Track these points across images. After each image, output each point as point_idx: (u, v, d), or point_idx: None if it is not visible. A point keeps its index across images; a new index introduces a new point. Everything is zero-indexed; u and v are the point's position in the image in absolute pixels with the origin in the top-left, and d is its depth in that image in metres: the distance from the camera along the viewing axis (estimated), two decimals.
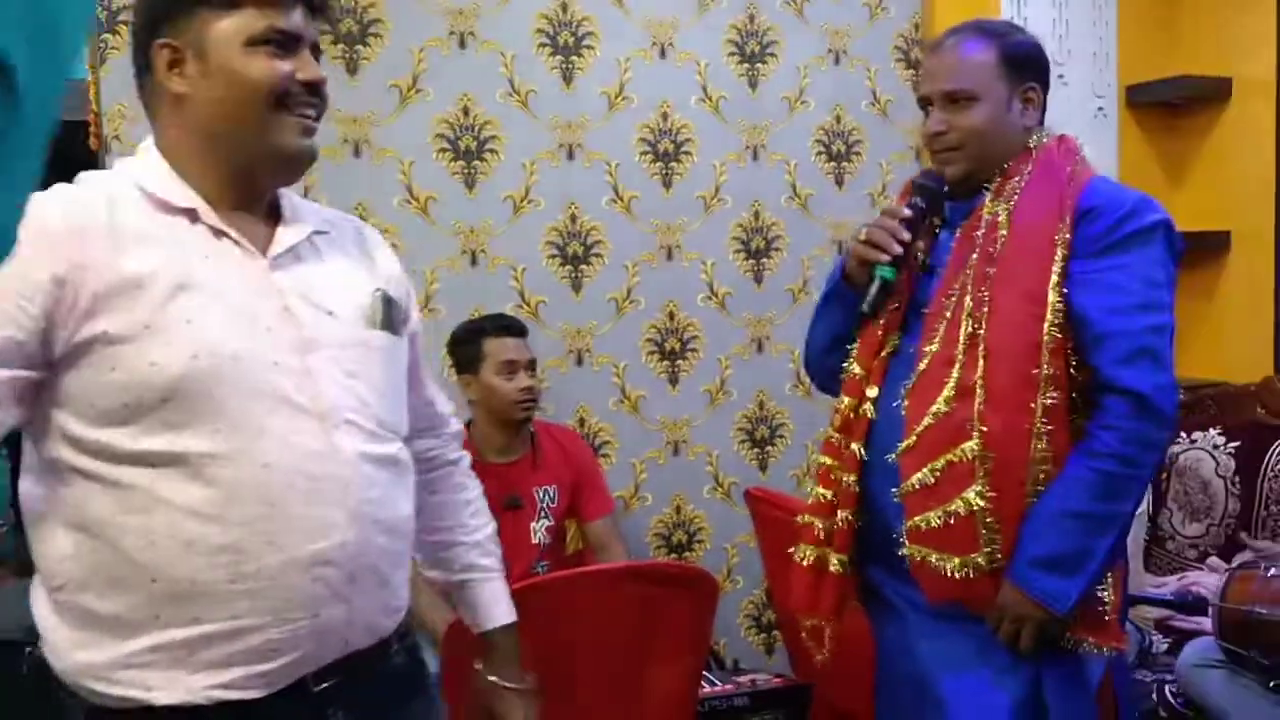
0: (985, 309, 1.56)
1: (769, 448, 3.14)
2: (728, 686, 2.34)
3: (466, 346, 2.60)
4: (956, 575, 1.54)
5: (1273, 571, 2.20)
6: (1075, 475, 1.53)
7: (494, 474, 2.58)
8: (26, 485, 1.17)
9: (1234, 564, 2.34)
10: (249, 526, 1.11)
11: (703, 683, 2.27)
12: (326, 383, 1.18)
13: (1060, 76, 3.26)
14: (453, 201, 2.80)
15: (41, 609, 1.17)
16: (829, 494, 1.72)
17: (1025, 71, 1.69)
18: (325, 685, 1.19)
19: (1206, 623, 2.34)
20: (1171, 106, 3.33)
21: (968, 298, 1.58)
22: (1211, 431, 2.95)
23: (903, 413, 1.61)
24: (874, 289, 1.66)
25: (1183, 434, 3.00)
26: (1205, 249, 3.21)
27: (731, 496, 3.07)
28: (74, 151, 2.84)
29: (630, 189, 2.95)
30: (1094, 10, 3.29)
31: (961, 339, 1.56)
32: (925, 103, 1.71)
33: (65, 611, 1.14)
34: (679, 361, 3.04)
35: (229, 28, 1.17)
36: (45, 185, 1.17)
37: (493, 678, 1.43)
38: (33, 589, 1.19)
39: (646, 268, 2.98)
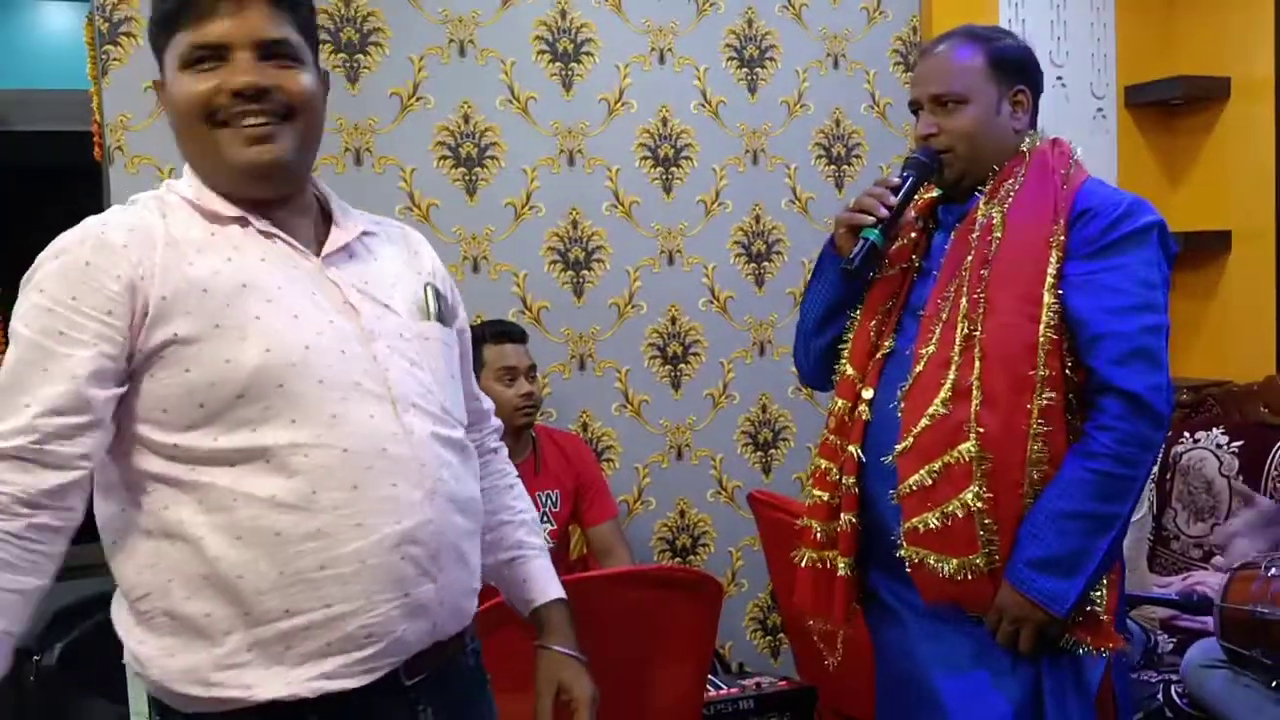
0: (981, 310, 1.57)
1: (772, 451, 3.14)
2: (733, 690, 2.34)
3: None
4: (955, 576, 1.55)
5: (1273, 571, 2.20)
6: (1072, 476, 1.53)
7: None
8: (101, 506, 1.18)
9: (1235, 564, 2.34)
10: (335, 511, 1.14)
11: (708, 686, 2.27)
12: (394, 370, 1.22)
13: (1059, 78, 3.26)
14: (454, 208, 2.81)
15: (125, 624, 1.18)
16: (826, 496, 1.73)
17: (1014, 75, 1.70)
18: (416, 680, 1.22)
19: (1211, 622, 2.33)
20: (1170, 106, 3.34)
21: (963, 299, 1.59)
22: (1215, 431, 2.95)
23: (899, 415, 1.61)
24: (859, 247, 1.66)
25: (1186, 434, 3.00)
26: (1206, 249, 3.22)
27: (735, 500, 3.08)
28: (78, 162, 2.85)
29: (631, 194, 2.96)
30: (1092, 11, 3.30)
31: (958, 340, 1.57)
32: (916, 107, 1.73)
33: (151, 621, 1.15)
34: (681, 366, 3.04)
35: (171, 55, 1.19)
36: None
37: (559, 649, 1.43)
38: (114, 608, 1.21)
39: (648, 272, 2.99)
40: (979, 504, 1.52)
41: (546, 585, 1.47)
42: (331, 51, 2.68)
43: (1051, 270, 1.56)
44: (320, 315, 1.19)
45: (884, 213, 1.66)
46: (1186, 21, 3.32)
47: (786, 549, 1.84)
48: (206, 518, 1.12)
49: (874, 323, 1.72)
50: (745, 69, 3.06)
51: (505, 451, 1.56)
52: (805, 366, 1.89)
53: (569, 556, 2.77)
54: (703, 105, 3.02)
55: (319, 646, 1.14)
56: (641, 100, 2.95)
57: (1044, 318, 1.54)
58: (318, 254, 1.25)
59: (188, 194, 1.22)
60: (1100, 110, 3.32)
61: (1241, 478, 2.83)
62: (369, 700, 1.17)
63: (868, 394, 1.69)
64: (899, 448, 1.59)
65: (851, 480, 1.69)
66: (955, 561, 1.54)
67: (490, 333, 2.61)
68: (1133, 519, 2.62)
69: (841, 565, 1.70)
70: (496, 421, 1.55)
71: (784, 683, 2.40)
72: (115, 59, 2.52)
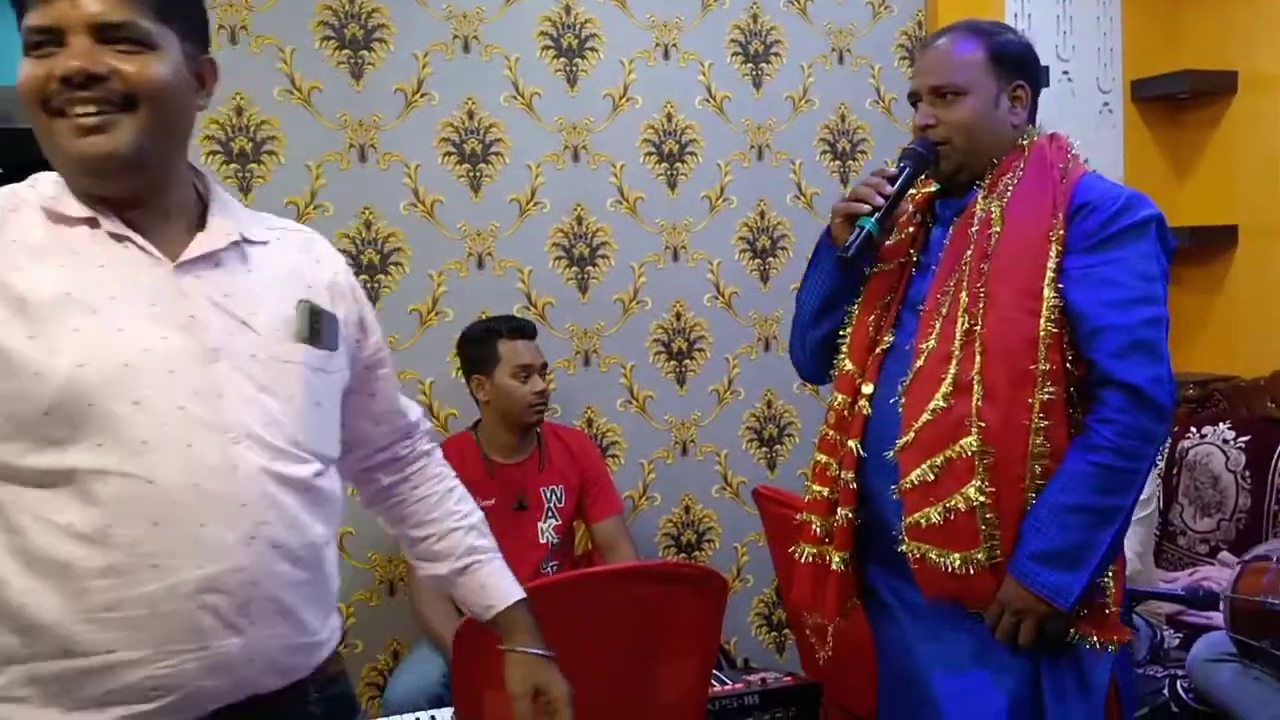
0: (981, 305, 1.56)
1: (777, 446, 3.14)
2: (738, 685, 2.33)
3: (480, 347, 2.61)
4: (957, 571, 1.54)
5: None
6: (1075, 470, 1.53)
7: (501, 474, 2.59)
8: None
9: (1245, 556, 2.34)
10: (131, 548, 1.03)
11: (713, 681, 2.27)
12: (231, 395, 1.11)
13: (1065, 72, 3.25)
14: (459, 205, 2.81)
15: None
16: (826, 491, 1.72)
17: (1014, 70, 1.70)
18: None
19: (1217, 617, 2.33)
20: (1177, 101, 3.32)
21: (963, 294, 1.59)
22: (1221, 426, 2.94)
23: (899, 410, 1.61)
24: (855, 235, 1.66)
25: (1192, 429, 2.99)
26: (1213, 243, 3.20)
27: (740, 496, 3.08)
28: None
29: (635, 190, 2.96)
30: (1098, 6, 3.29)
31: (958, 335, 1.57)
32: (915, 99, 1.73)
33: None
34: (686, 361, 3.04)
35: (24, 38, 1.10)
36: None
37: (531, 650, 1.40)
38: None
39: (653, 268, 2.99)
40: (981, 498, 1.52)
41: (506, 588, 1.42)
42: (336, 48, 2.68)
43: (1051, 264, 1.56)
44: (152, 330, 1.08)
45: (880, 201, 1.66)
46: (1193, 15, 3.31)
47: (791, 545, 1.83)
48: (4, 537, 1.04)
49: (873, 317, 1.72)
50: (750, 64, 3.05)
51: (439, 453, 1.49)
52: (801, 359, 1.88)
53: (574, 552, 2.77)
54: (707, 101, 3.02)
55: (98, 694, 1.04)
56: (646, 96, 2.95)
57: (1044, 312, 1.54)
58: (176, 259, 1.14)
59: (47, 190, 1.12)
60: (1106, 104, 3.31)
61: (1249, 473, 2.82)
62: None
63: (867, 389, 1.68)
64: (900, 442, 1.59)
65: (850, 475, 1.68)
66: (957, 556, 1.54)
67: (506, 328, 2.61)
68: (1138, 516, 2.64)
69: (836, 560, 1.70)
70: (427, 425, 1.49)
71: (789, 678, 2.40)
72: None
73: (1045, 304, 1.54)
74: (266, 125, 2.64)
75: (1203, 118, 3.30)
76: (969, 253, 1.62)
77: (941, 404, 1.55)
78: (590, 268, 2.93)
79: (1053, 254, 1.56)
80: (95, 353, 1.05)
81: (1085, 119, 3.26)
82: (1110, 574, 1.58)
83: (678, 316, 3.02)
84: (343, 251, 2.69)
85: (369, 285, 2.72)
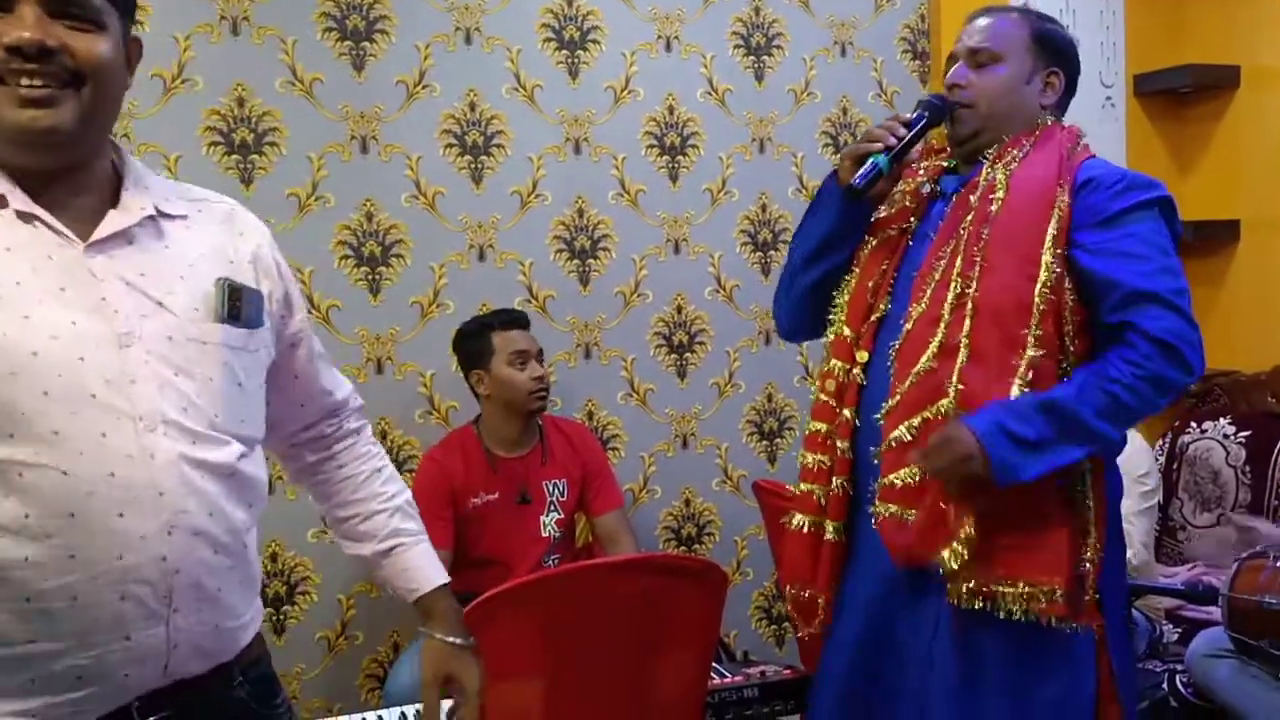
0: (976, 269, 1.56)
1: (778, 440, 3.14)
2: (737, 678, 2.34)
3: (474, 342, 2.61)
4: (923, 533, 1.53)
5: None
6: (1083, 383, 1.52)
7: (504, 468, 2.60)
8: None
9: (1242, 554, 2.34)
10: (47, 540, 1.02)
11: (712, 674, 2.27)
12: (145, 380, 1.08)
13: (1078, 73, 3.24)
14: (460, 197, 2.80)
15: None
16: (826, 459, 1.72)
17: (1053, 56, 1.73)
18: (153, 718, 1.10)
19: (1217, 612, 2.33)
20: (1180, 95, 3.32)
21: (959, 259, 1.59)
22: (1222, 421, 2.94)
23: (891, 375, 1.61)
24: (866, 168, 1.65)
25: (1193, 424, 3.00)
26: (1215, 238, 3.20)
27: (740, 489, 3.08)
28: None
29: (637, 182, 2.96)
30: (1101, 0, 3.28)
31: (949, 299, 1.57)
32: (952, 61, 1.74)
33: None
34: (687, 354, 3.04)
35: None
36: None
37: (447, 638, 1.38)
38: None
39: (654, 261, 2.98)
40: None
41: (429, 572, 1.40)
42: (338, 39, 2.68)
43: (1052, 229, 1.55)
44: (61, 315, 1.05)
45: (892, 140, 1.66)
46: (1195, 10, 3.30)
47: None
48: None
49: (871, 284, 1.72)
50: (752, 57, 3.05)
51: (369, 430, 1.45)
52: (786, 310, 1.87)
53: (574, 545, 2.77)
54: (709, 93, 3.01)
55: (21, 682, 1.03)
56: (648, 88, 2.94)
57: (1041, 276, 1.53)
58: (88, 238, 1.10)
59: None
60: (1109, 99, 3.31)
61: (1249, 468, 2.82)
62: None
63: (862, 356, 1.69)
64: (885, 406, 1.60)
65: (846, 444, 1.68)
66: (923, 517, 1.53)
67: (497, 320, 2.62)
68: (1141, 509, 2.64)
69: (830, 530, 1.70)
70: (358, 401, 1.45)
71: (788, 671, 2.40)
72: None
73: (1044, 268, 1.53)
74: (268, 116, 2.63)
75: (1205, 112, 3.30)
76: (969, 218, 1.62)
77: (926, 365, 1.56)
78: (591, 260, 2.93)
79: (1054, 219, 1.56)
80: (1, 343, 1.02)
81: (1088, 113, 3.25)
82: (1088, 555, 1.56)
83: (679, 309, 3.02)
84: (344, 243, 2.70)
85: (370, 277, 2.72)
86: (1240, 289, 3.21)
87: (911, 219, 1.75)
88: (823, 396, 1.74)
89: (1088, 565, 1.56)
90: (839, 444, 1.70)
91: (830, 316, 1.77)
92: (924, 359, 1.56)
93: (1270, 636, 2.16)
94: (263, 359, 1.23)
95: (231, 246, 1.23)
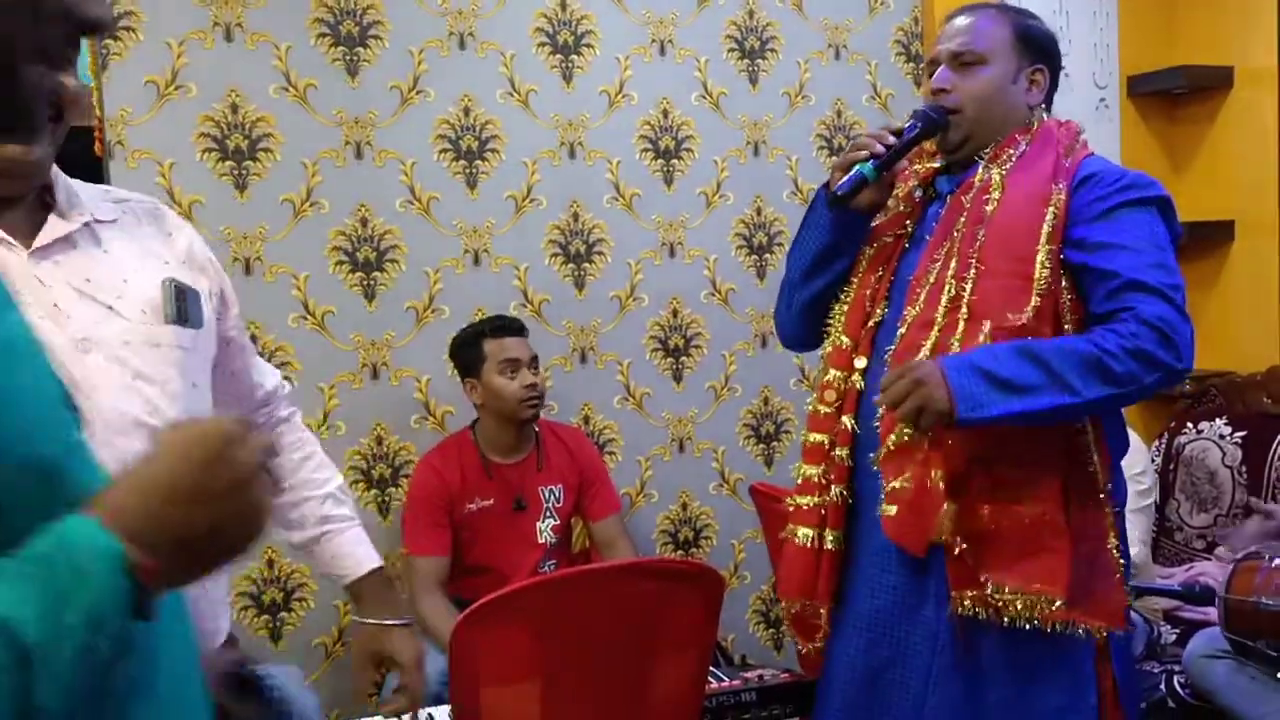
0: (971, 272, 1.55)
1: (774, 443, 3.14)
2: (735, 682, 2.33)
3: (467, 350, 2.60)
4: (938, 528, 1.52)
5: (1276, 562, 2.20)
6: (1069, 340, 1.49)
7: (500, 475, 2.59)
8: None
9: (1238, 555, 2.34)
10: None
11: (710, 678, 2.27)
12: (107, 387, 1.07)
13: (1061, 67, 3.25)
14: (455, 202, 2.80)
15: None
16: (821, 470, 1.70)
17: (1036, 53, 1.71)
18: None
19: (1213, 613, 2.33)
20: (1173, 96, 3.32)
21: (953, 261, 1.58)
22: (1218, 422, 2.94)
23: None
24: (849, 177, 1.63)
25: (1189, 424, 3.00)
26: (1209, 239, 3.21)
27: (737, 493, 3.08)
28: (79, 157, 2.85)
29: (632, 186, 2.96)
30: (1094, 2, 3.28)
31: (943, 302, 1.56)
32: (934, 65, 1.72)
33: None
34: (683, 358, 3.04)
35: None
36: None
37: (378, 620, 1.38)
38: None
39: (649, 265, 2.98)
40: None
41: (359, 557, 1.40)
42: (331, 45, 2.68)
43: (1046, 230, 1.54)
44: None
45: (880, 149, 1.63)
46: (1188, 11, 3.31)
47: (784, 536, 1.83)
48: None
49: (868, 292, 1.71)
50: (746, 60, 3.05)
51: (299, 416, 1.45)
52: (786, 321, 1.86)
53: (571, 550, 2.77)
54: (703, 97, 3.01)
55: None
56: (642, 92, 2.95)
57: (1036, 275, 1.52)
58: (29, 246, 1.08)
59: None
60: (1103, 100, 3.31)
61: (1245, 468, 2.82)
62: None
63: (860, 363, 1.67)
64: (881, 411, 1.58)
65: (845, 452, 1.67)
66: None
67: (489, 328, 2.61)
68: (1138, 507, 2.64)
69: (830, 539, 1.69)
70: (285, 387, 1.46)
71: (786, 675, 2.40)
72: (115, 54, 2.52)
73: (1039, 268, 1.52)
74: (262, 122, 2.63)
75: (1199, 113, 3.30)
76: (962, 219, 1.60)
77: None
78: (587, 264, 2.93)
79: (1048, 219, 1.55)
80: None
81: (1082, 115, 3.25)
82: (1118, 562, 1.56)
83: (674, 313, 3.02)
84: (338, 249, 2.70)
85: (365, 282, 2.72)
86: (1235, 290, 3.22)
87: (907, 223, 1.74)
88: (821, 408, 1.72)
89: (1113, 571, 1.55)
90: (838, 451, 1.68)
91: (828, 327, 1.75)
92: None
93: (1266, 637, 2.16)
94: (208, 358, 1.23)
95: (165, 246, 1.22)
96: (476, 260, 2.83)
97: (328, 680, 2.71)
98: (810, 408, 1.77)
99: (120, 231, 1.19)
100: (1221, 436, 2.91)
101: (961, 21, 1.71)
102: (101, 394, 1.08)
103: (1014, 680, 1.57)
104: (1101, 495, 1.58)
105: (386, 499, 2.75)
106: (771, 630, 3.17)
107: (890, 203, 1.77)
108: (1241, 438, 2.86)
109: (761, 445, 3.13)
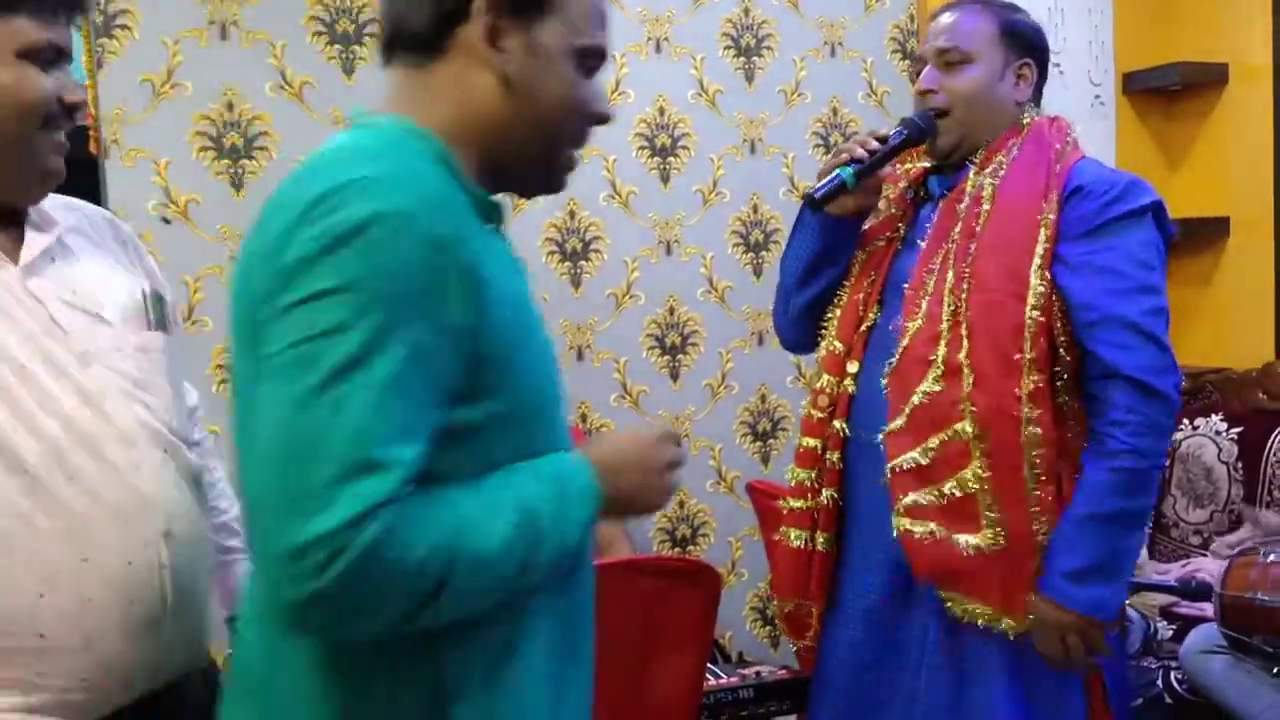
0: (966, 285, 1.54)
1: (771, 441, 3.14)
2: (732, 679, 2.34)
3: None
4: (963, 553, 1.52)
5: (1272, 558, 2.20)
6: (1096, 480, 1.51)
7: None
8: None
9: (1234, 549, 2.35)
10: (57, 576, 1.03)
11: (707, 676, 2.27)
12: (113, 398, 1.09)
13: (1056, 65, 3.25)
14: None
15: None
16: (813, 475, 1.71)
17: (1022, 48, 1.69)
18: None
19: (1210, 609, 2.34)
20: (1168, 93, 3.33)
21: (950, 272, 1.57)
22: (1214, 418, 2.95)
23: (885, 392, 1.60)
24: (827, 180, 1.63)
25: (1185, 421, 3.00)
26: (1204, 235, 3.21)
27: (734, 490, 3.08)
28: (74, 155, 2.84)
29: (628, 184, 2.96)
30: None
31: (945, 316, 1.55)
32: (920, 64, 1.70)
33: None
34: (680, 356, 3.04)
35: (28, 47, 1.07)
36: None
37: None
38: None
39: (646, 263, 2.98)
40: (976, 485, 1.50)
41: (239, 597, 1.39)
42: (327, 43, 2.67)
43: (1040, 249, 1.53)
44: (23, 347, 1.05)
45: (861, 154, 1.63)
46: (1184, 7, 3.31)
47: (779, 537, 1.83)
48: None
49: (860, 296, 1.70)
50: (742, 58, 3.05)
51: (209, 442, 1.44)
52: (784, 326, 1.86)
53: None
54: (700, 95, 3.01)
55: (27, 676, 1.05)
56: (638, 90, 2.94)
57: (1030, 298, 1.51)
58: (14, 262, 1.09)
59: None
60: (1098, 97, 3.31)
61: (1241, 464, 2.83)
62: None
63: (853, 367, 1.67)
64: (891, 426, 1.57)
65: (836, 456, 1.67)
66: (963, 539, 1.52)
67: None
68: None
69: (821, 541, 1.70)
70: (200, 412, 1.44)
71: (784, 672, 2.40)
72: (111, 52, 2.51)
73: (1032, 290, 1.52)
74: (258, 121, 2.63)
75: (1194, 110, 3.30)
76: (956, 229, 1.59)
77: (934, 387, 1.53)
78: (583, 262, 2.93)
79: (1042, 238, 1.54)
80: None
81: (1077, 112, 3.26)
82: None
83: (671, 311, 3.02)
84: None
85: None
86: (1230, 286, 3.22)
87: (899, 225, 1.73)
88: (815, 412, 1.73)
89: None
90: (829, 456, 1.69)
91: (822, 332, 1.76)
92: (929, 380, 1.54)
93: (1263, 632, 2.16)
94: (175, 362, 1.23)
95: (124, 252, 1.23)
96: None
97: None
98: (804, 412, 1.77)
99: (84, 239, 1.19)
100: (1217, 433, 2.91)
101: (946, 19, 1.68)
102: (109, 404, 1.08)
103: (1002, 679, 1.57)
104: None
105: None
106: (769, 627, 3.17)
107: (881, 204, 1.76)
108: (1237, 434, 2.87)
109: (758, 443, 3.13)
